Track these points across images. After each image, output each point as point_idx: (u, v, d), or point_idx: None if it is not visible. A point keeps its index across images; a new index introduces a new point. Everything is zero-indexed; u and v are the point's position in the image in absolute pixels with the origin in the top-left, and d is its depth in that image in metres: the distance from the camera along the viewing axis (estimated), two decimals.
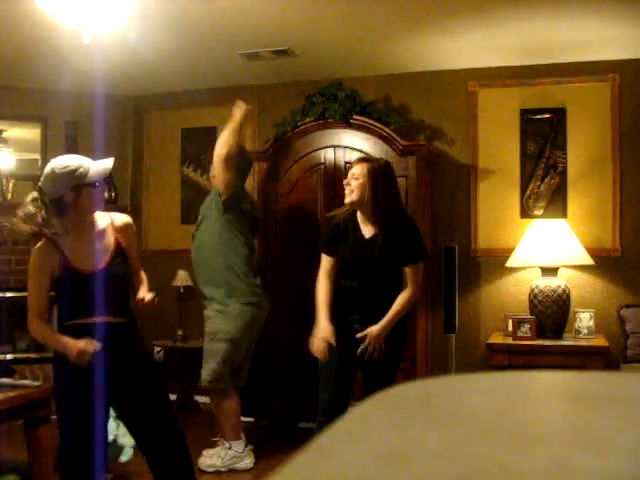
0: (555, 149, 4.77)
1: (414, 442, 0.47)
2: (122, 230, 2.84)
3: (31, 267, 2.77)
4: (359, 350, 3.16)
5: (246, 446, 4.01)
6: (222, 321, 3.93)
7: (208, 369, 3.94)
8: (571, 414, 0.54)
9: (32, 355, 5.30)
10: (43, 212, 2.71)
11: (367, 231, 3.23)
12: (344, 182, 3.27)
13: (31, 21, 3.88)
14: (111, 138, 5.53)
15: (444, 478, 0.41)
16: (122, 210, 5.27)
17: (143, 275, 2.97)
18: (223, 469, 3.93)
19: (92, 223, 2.78)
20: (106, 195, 5.47)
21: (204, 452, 3.98)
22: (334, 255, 3.28)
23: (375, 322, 3.18)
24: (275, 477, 0.43)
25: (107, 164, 2.82)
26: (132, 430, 2.86)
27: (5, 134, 5.52)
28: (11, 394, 3.10)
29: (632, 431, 0.48)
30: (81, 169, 2.74)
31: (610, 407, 0.55)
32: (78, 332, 2.71)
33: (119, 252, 2.79)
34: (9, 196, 5.38)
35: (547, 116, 4.78)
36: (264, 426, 4.76)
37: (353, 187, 3.20)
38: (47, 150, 5.59)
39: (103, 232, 2.80)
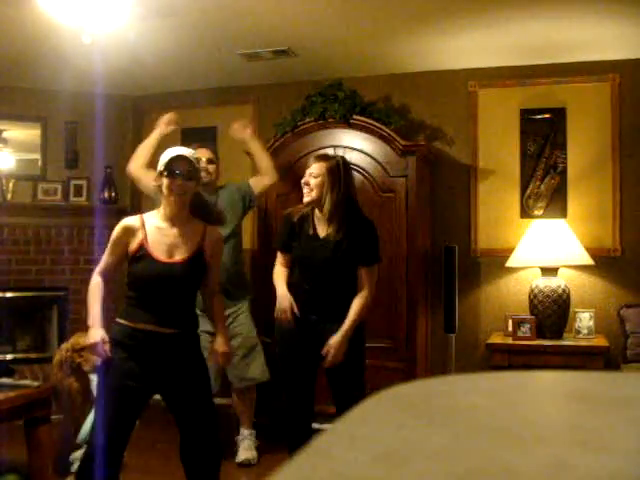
0: (555, 149, 4.77)
1: (414, 442, 0.47)
2: (211, 240, 2.87)
3: (113, 235, 2.84)
4: (326, 363, 3.21)
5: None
6: (251, 319, 4.17)
7: (258, 365, 4.06)
8: (571, 414, 0.54)
9: (32, 355, 5.30)
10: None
11: (322, 230, 3.24)
12: (302, 181, 3.28)
13: (31, 21, 3.88)
14: (111, 138, 5.53)
15: (444, 478, 0.41)
16: (122, 210, 5.28)
17: (218, 303, 2.99)
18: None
19: (181, 218, 2.81)
20: (106, 195, 5.48)
21: (241, 449, 4.07)
22: (288, 253, 3.32)
23: (332, 322, 3.21)
24: (275, 477, 0.43)
25: (180, 151, 2.80)
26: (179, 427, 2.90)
27: (5, 134, 5.52)
28: (11, 394, 3.10)
29: (632, 431, 0.48)
30: (165, 155, 2.79)
31: (610, 407, 0.54)
32: (126, 335, 2.74)
33: (198, 257, 2.81)
34: (9, 196, 5.38)
35: (547, 116, 4.78)
36: (264, 425, 4.76)
37: (312, 186, 3.20)
38: (47, 150, 5.60)
39: (192, 232, 2.84)
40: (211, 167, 4.17)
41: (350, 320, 3.19)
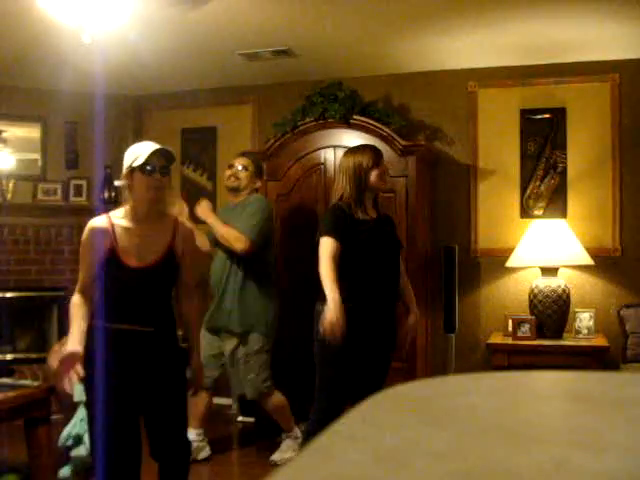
0: (555, 149, 4.77)
1: (414, 442, 0.47)
2: (181, 236, 2.77)
3: (82, 242, 2.72)
4: (404, 343, 3.40)
5: (206, 435, 4.11)
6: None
7: (262, 379, 4.00)
8: (571, 414, 0.54)
9: (32, 355, 5.30)
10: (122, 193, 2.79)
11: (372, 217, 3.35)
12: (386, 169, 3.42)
13: (31, 21, 3.88)
14: (111, 138, 5.53)
15: (444, 478, 0.41)
16: None
17: (193, 306, 2.87)
18: None
19: (152, 216, 2.71)
20: (106, 195, 5.48)
21: (281, 450, 4.08)
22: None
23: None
24: (275, 477, 0.43)
25: (155, 146, 2.69)
26: (148, 433, 2.83)
27: (5, 134, 5.52)
28: (11, 394, 3.10)
29: (632, 431, 0.48)
30: (138, 152, 2.68)
31: (610, 407, 0.55)
32: (107, 335, 2.65)
33: (170, 257, 2.72)
34: (9, 196, 5.38)
35: (547, 116, 4.78)
36: (265, 426, 4.76)
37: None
38: (47, 150, 5.60)
39: (162, 230, 2.74)
40: (242, 174, 4.08)
41: (414, 298, 3.48)
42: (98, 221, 2.69)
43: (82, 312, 2.66)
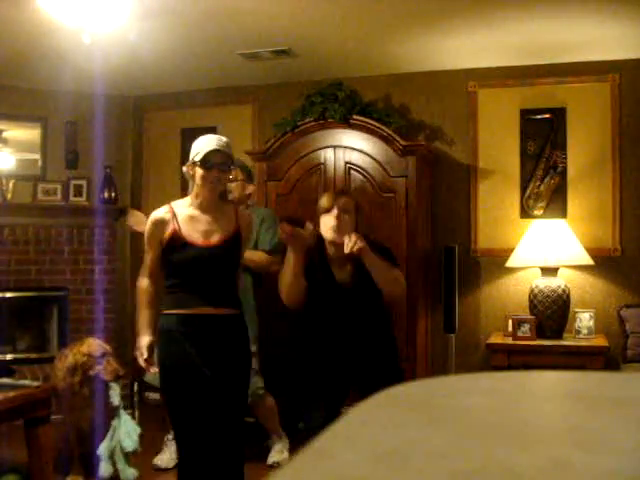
0: (555, 149, 4.77)
1: (414, 442, 0.47)
2: (243, 222, 2.91)
3: (146, 230, 2.86)
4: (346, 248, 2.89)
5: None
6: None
7: (254, 383, 3.97)
8: (571, 414, 0.54)
9: (32, 355, 5.30)
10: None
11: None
12: (333, 215, 2.97)
13: (31, 21, 3.88)
14: (111, 138, 5.53)
15: (444, 478, 0.41)
16: (122, 210, 5.28)
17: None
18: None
19: (212, 206, 2.83)
20: (106, 195, 5.48)
21: (272, 452, 4.06)
22: None
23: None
24: (275, 477, 0.43)
25: (216, 144, 2.78)
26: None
27: (5, 134, 5.52)
28: (11, 394, 3.10)
29: (632, 431, 0.48)
30: (200, 146, 2.80)
31: (610, 407, 0.54)
32: (180, 323, 2.75)
33: (236, 238, 2.85)
34: (9, 196, 5.38)
35: (547, 116, 4.78)
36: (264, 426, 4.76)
37: (346, 221, 2.98)
38: (47, 150, 5.60)
39: (224, 217, 2.86)
40: (232, 185, 3.95)
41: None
42: (160, 212, 2.85)
43: (149, 298, 2.82)
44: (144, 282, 2.85)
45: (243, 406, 2.94)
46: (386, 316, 3.23)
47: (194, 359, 2.73)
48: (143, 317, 2.81)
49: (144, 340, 2.78)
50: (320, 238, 3.04)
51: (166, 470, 3.94)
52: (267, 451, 4.10)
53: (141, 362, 2.79)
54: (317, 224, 3.03)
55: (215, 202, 2.85)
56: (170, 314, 2.78)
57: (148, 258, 2.86)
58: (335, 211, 2.97)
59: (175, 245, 2.76)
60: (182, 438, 2.82)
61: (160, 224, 2.80)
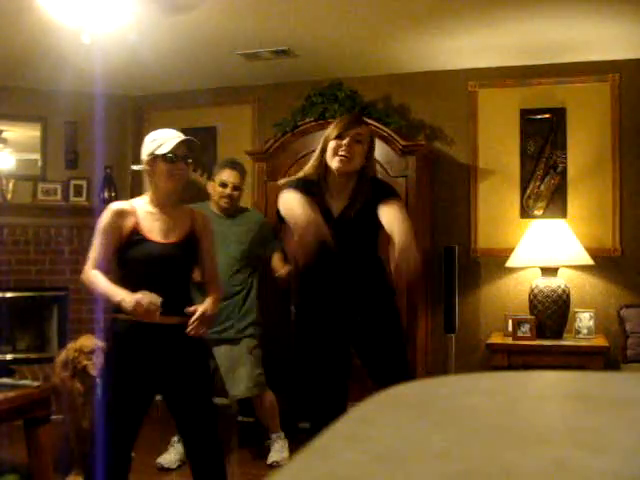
0: (555, 149, 4.77)
1: (414, 442, 0.47)
2: (200, 222, 2.81)
3: (100, 222, 2.69)
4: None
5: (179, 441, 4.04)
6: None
7: (255, 376, 4.00)
8: (571, 414, 0.54)
9: (32, 355, 5.30)
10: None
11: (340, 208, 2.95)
12: (343, 142, 2.84)
13: (31, 21, 3.88)
14: (111, 138, 5.53)
15: (444, 478, 0.41)
16: None
17: (216, 291, 2.83)
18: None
19: (172, 203, 2.74)
20: (106, 195, 5.48)
21: (272, 451, 4.07)
22: None
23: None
24: (275, 477, 0.43)
25: (179, 136, 2.73)
26: (181, 434, 2.87)
27: (5, 134, 5.52)
28: (11, 394, 3.10)
29: (632, 431, 0.48)
30: (161, 139, 2.71)
31: (610, 407, 0.54)
32: (134, 330, 2.62)
33: (192, 239, 2.74)
34: (9, 196, 5.38)
35: (547, 116, 4.77)
36: (264, 426, 4.76)
37: (356, 152, 2.85)
38: (47, 150, 5.60)
39: (182, 215, 2.77)
40: (236, 194, 4.06)
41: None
42: (120, 204, 2.74)
43: (103, 278, 2.61)
44: (89, 272, 2.64)
45: (208, 422, 2.79)
46: (380, 259, 3.01)
47: (145, 373, 2.63)
48: (111, 287, 2.59)
49: (135, 296, 2.52)
50: (323, 166, 2.92)
51: (169, 470, 3.95)
52: (267, 451, 4.10)
53: (152, 308, 2.53)
54: (324, 150, 2.92)
55: (175, 200, 2.76)
56: (122, 320, 2.62)
57: (100, 252, 2.66)
58: (347, 140, 2.83)
59: (133, 241, 2.63)
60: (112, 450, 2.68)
61: (122, 215, 2.66)
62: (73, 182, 5.57)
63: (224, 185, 4.02)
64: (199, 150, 2.86)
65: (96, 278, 2.62)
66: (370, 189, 2.89)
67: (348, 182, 2.91)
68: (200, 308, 2.66)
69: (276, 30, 4.24)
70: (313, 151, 4.67)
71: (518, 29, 4.16)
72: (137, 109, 5.82)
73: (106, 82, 5.04)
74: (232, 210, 4.08)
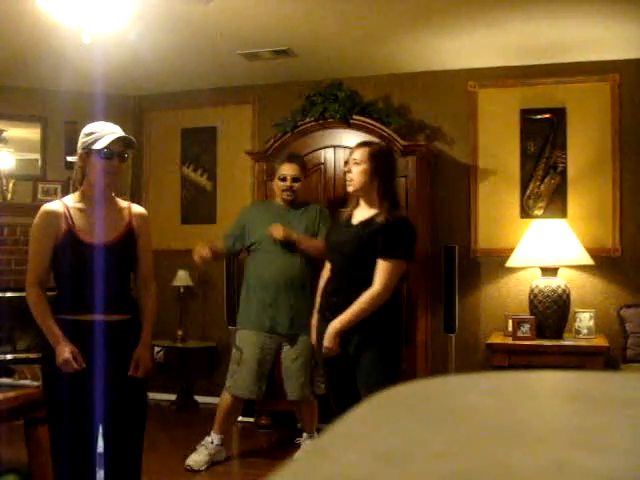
0: (555, 149, 4.77)
1: (414, 442, 0.47)
2: (138, 218, 2.71)
3: (34, 227, 2.60)
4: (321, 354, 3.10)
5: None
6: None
7: (309, 380, 4.02)
8: (571, 414, 0.54)
9: (32, 355, 5.29)
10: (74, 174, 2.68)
11: (358, 217, 3.10)
12: (345, 169, 3.24)
13: (31, 21, 3.88)
14: None
15: (444, 478, 0.41)
16: None
17: (151, 299, 2.74)
18: None
19: (107, 199, 2.64)
20: None
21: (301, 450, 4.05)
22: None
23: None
24: (275, 477, 0.43)
25: (117, 132, 2.65)
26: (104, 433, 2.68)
27: (5, 134, 5.52)
28: (11, 394, 3.10)
29: (632, 431, 0.48)
30: (97, 134, 2.60)
31: (610, 407, 0.54)
32: (75, 329, 2.54)
33: (130, 236, 2.65)
34: (9, 196, 5.38)
35: (547, 116, 4.78)
36: (264, 426, 4.76)
37: (354, 174, 3.06)
38: (47, 150, 5.60)
39: (118, 212, 2.67)
40: (296, 185, 4.02)
41: (350, 310, 2.95)
42: (51, 205, 2.60)
43: (47, 307, 2.55)
44: (34, 292, 2.56)
45: (140, 421, 2.71)
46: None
47: (83, 370, 2.52)
48: (52, 327, 2.51)
49: (67, 348, 2.48)
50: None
51: (198, 471, 3.93)
52: (296, 448, 4.10)
53: (73, 366, 2.49)
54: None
55: (110, 196, 2.65)
56: (59, 318, 2.54)
57: (37, 261, 2.57)
58: (347, 165, 3.17)
59: (67, 243, 2.53)
60: (61, 459, 2.61)
61: (54, 218, 2.54)
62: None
63: (284, 179, 4.03)
64: (136, 147, 2.76)
65: (37, 308, 2.56)
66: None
67: None
68: (134, 356, 2.63)
69: (276, 30, 4.24)
70: (313, 151, 4.71)
71: (518, 29, 4.16)
72: (137, 109, 5.82)
73: (106, 82, 5.04)
74: (297, 202, 4.06)
